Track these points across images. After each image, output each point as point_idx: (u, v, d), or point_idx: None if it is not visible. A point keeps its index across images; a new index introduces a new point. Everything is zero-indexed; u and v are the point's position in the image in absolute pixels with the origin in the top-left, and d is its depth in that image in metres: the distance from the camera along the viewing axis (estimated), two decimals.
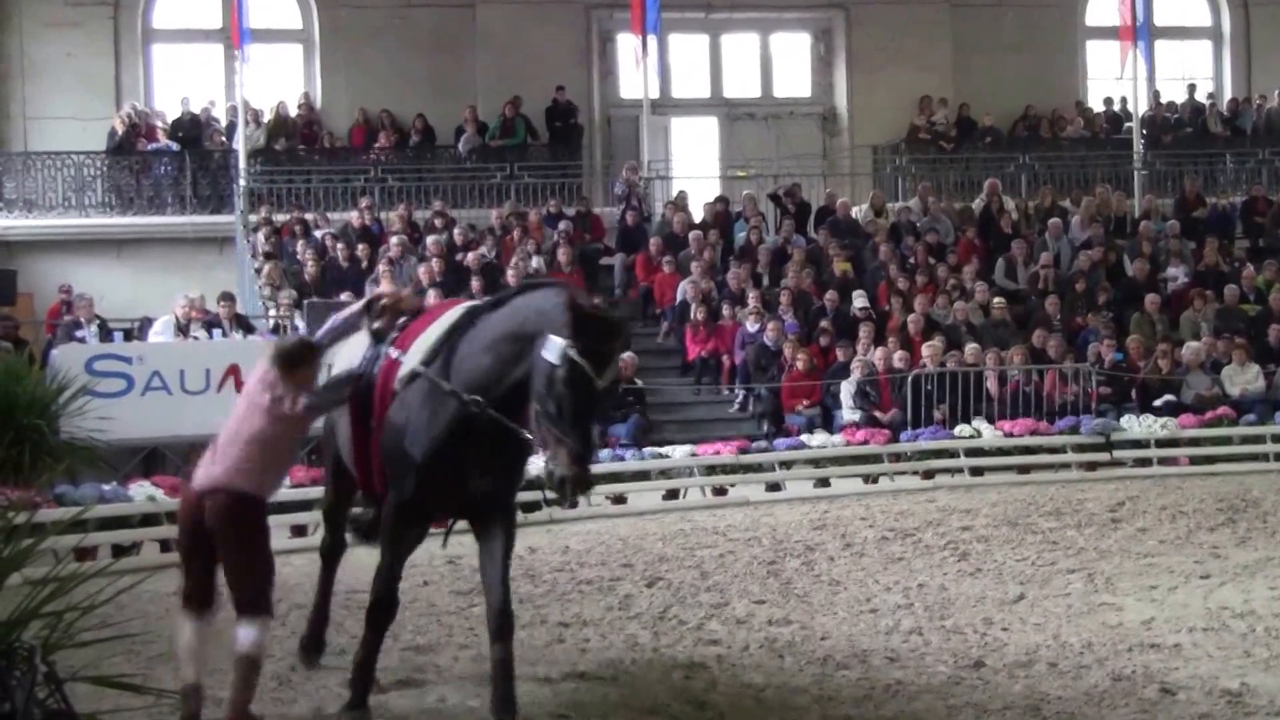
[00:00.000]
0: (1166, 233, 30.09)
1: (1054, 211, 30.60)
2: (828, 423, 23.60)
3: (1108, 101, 36.49)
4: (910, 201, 31.66)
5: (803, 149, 35.12)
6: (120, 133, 31.49)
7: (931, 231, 29.78)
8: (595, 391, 8.70)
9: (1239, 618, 12.03)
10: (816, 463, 21.94)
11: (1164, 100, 36.60)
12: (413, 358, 9.52)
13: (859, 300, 26.64)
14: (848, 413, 23.18)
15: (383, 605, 9.56)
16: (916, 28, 35.82)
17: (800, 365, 24.45)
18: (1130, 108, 34.16)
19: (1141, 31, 32.87)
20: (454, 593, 13.97)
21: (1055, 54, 36.82)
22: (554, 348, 8.65)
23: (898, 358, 24.41)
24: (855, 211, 30.90)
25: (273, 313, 24.57)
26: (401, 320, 10.01)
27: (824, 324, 25.97)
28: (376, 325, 9.94)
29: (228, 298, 23.54)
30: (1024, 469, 22.56)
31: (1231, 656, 10.75)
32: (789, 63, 37.22)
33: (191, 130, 32.28)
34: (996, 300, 27.00)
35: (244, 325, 23.22)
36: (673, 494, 20.73)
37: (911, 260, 28.52)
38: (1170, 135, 35.24)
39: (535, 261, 26.88)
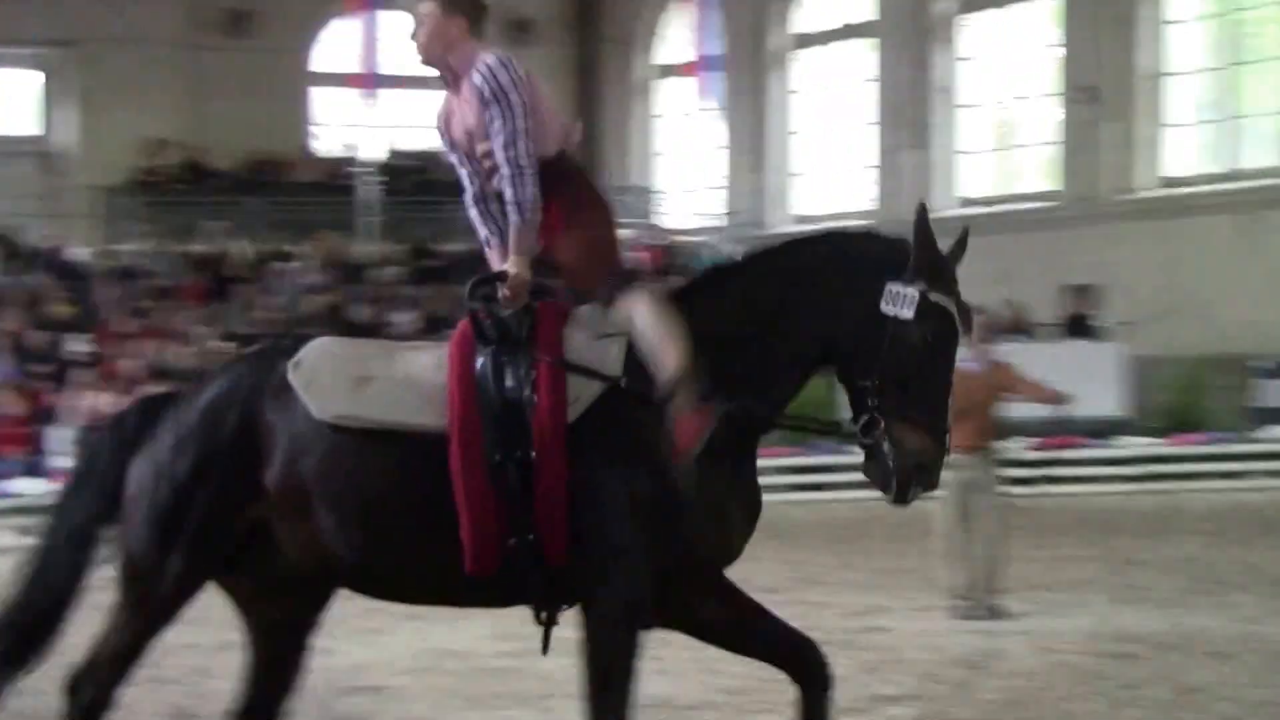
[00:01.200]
0: (396, 279, 30.37)
1: (283, 255, 30.54)
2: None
3: (348, 147, 36.69)
4: (141, 244, 31.02)
5: (25, 189, 33.94)
6: None
7: (157, 274, 29.22)
8: (956, 353, 6.38)
9: (455, 658, 11.98)
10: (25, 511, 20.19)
11: (398, 148, 37.02)
12: (599, 364, 6.39)
13: (78, 344, 25.85)
14: (60, 459, 22.18)
15: None
16: (150, 68, 35.16)
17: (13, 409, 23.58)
18: (360, 154, 34.43)
19: (375, 80, 33.24)
20: None
21: (284, 99, 36.96)
22: (905, 297, 6.21)
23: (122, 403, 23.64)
24: (81, 253, 30.10)
25: None
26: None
27: (40, 368, 25.13)
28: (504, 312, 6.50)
29: None
30: None
31: (443, 697, 10.70)
32: (15, 100, 36.17)
33: None
34: (227, 343, 26.49)
35: None
36: None
37: (136, 304, 27.87)
38: (405, 182, 35.58)
39: None
